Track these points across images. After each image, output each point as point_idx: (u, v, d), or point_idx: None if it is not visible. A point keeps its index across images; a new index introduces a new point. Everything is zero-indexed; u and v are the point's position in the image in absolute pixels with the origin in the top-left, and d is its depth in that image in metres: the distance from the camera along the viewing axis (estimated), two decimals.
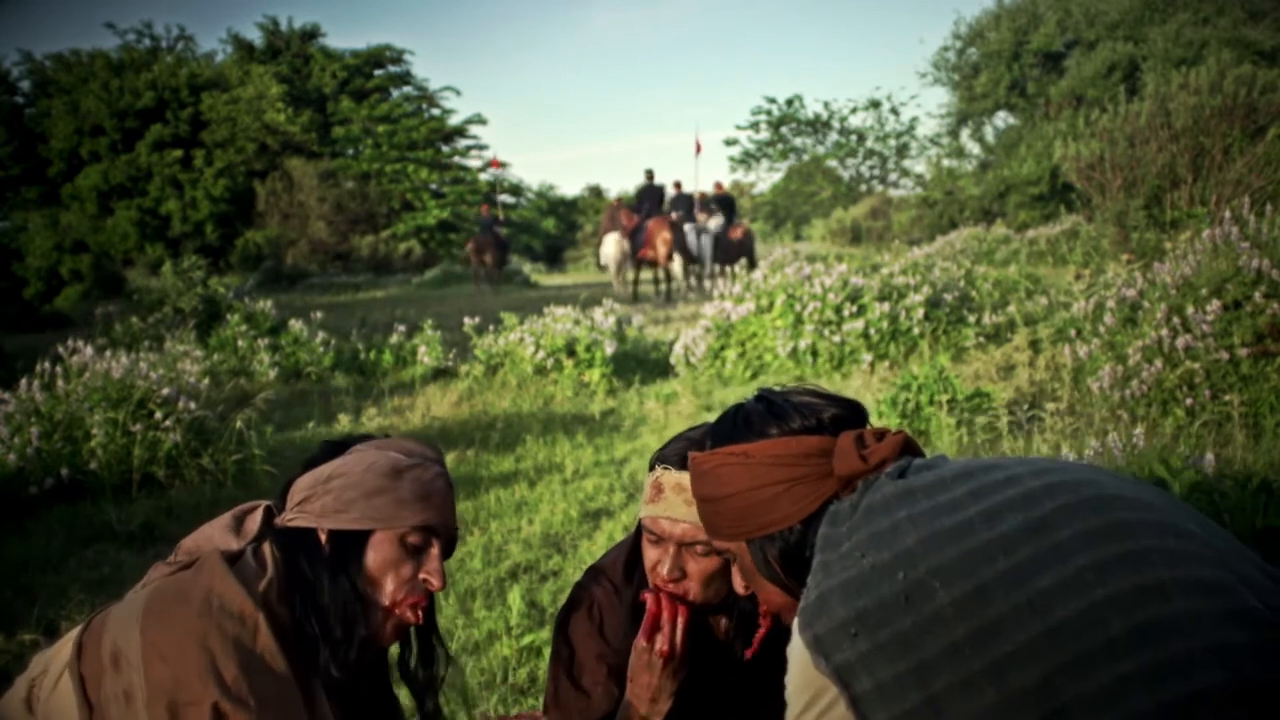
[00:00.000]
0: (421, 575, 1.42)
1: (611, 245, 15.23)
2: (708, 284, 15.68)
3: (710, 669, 1.58)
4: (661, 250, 14.52)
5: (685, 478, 1.47)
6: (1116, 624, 0.98)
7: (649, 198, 15.75)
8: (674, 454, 1.51)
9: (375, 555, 1.40)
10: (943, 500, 1.12)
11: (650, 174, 16.11)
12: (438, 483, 1.44)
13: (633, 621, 1.57)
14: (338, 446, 1.49)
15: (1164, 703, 0.95)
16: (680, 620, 1.49)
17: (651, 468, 1.55)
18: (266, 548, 1.41)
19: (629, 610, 1.60)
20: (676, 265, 15.00)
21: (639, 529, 1.58)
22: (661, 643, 1.48)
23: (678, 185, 16.92)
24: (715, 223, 15.77)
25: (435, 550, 1.44)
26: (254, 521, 1.46)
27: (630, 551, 1.64)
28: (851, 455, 1.22)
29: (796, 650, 1.11)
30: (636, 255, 15.15)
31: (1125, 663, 0.97)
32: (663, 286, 15.57)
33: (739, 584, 1.37)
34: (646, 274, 16.63)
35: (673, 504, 1.48)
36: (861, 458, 1.21)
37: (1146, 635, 0.97)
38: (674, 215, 15.57)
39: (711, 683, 1.58)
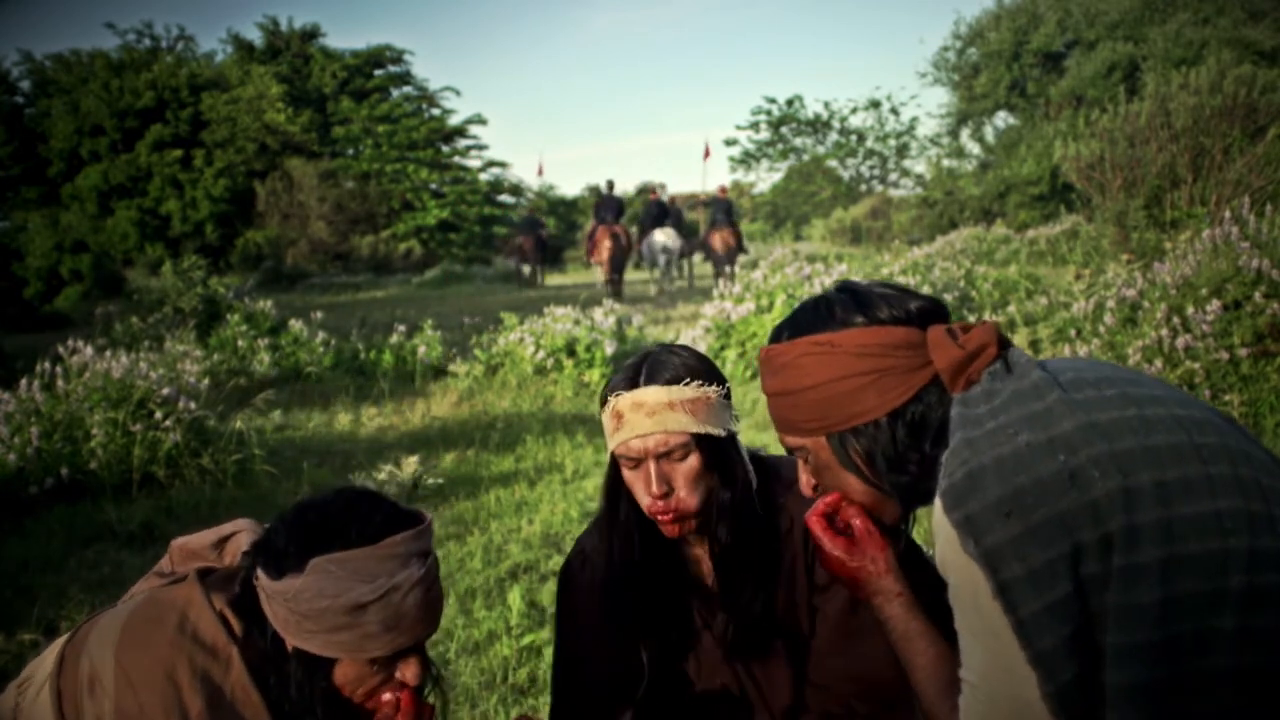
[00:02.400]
0: (398, 675, 1.33)
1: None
2: (667, 286, 16.98)
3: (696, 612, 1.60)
4: (605, 256, 15.86)
5: (638, 395, 1.49)
6: (1236, 579, 0.97)
7: (608, 206, 16.68)
8: (620, 381, 1.53)
9: (342, 672, 1.30)
10: (1093, 396, 1.08)
11: (610, 184, 17.29)
12: (409, 601, 1.27)
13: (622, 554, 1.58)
14: (295, 537, 1.29)
15: (1241, 667, 0.96)
16: None
17: (603, 404, 1.54)
18: (240, 589, 1.32)
19: (612, 547, 1.60)
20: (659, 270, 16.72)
21: (614, 463, 1.57)
22: None
23: (653, 192, 18.57)
24: (674, 236, 16.75)
25: (412, 658, 1.33)
26: (236, 548, 1.39)
27: (610, 484, 1.61)
28: (949, 345, 1.17)
29: (943, 531, 1.06)
30: (589, 258, 16.79)
31: (1225, 618, 0.97)
32: (608, 287, 16.68)
33: (806, 486, 1.32)
34: (639, 274, 17.09)
35: (635, 423, 1.48)
36: (959, 345, 1.16)
37: (1255, 600, 0.97)
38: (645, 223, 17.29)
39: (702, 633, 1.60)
